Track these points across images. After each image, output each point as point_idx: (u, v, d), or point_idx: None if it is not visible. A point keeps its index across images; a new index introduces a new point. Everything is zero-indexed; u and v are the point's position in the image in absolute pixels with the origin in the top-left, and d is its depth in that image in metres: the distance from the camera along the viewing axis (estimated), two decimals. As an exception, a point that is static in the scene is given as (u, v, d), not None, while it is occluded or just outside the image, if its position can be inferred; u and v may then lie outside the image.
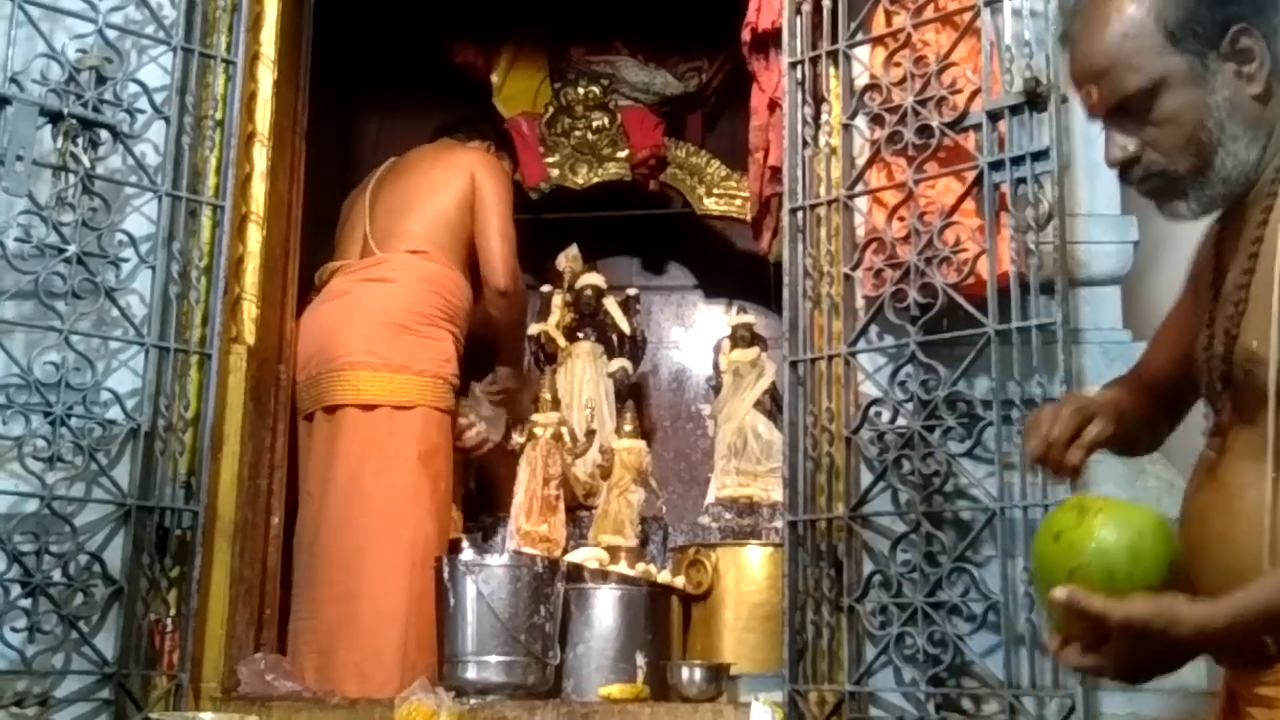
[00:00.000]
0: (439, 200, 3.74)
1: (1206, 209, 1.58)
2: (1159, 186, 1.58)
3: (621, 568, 3.58)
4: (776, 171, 3.08)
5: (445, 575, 3.11)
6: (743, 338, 4.26)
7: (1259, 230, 1.53)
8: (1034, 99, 2.56)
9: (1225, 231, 1.62)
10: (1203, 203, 1.57)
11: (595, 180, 4.69)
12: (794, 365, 2.80)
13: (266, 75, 3.14)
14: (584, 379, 4.41)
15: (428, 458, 3.47)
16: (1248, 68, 1.52)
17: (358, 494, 3.37)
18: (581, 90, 4.79)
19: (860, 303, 2.78)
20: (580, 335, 4.49)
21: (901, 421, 2.64)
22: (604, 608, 3.21)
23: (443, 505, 3.54)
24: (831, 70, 2.89)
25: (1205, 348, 1.62)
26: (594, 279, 4.55)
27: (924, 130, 2.68)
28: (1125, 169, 1.59)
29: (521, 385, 4.12)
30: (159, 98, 2.84)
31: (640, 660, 3.14)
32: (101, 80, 2.77)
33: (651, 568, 3.65)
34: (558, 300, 4.56)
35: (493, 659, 3.04)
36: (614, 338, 4.51)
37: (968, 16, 2.69)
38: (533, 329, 4.49)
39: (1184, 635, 1.36)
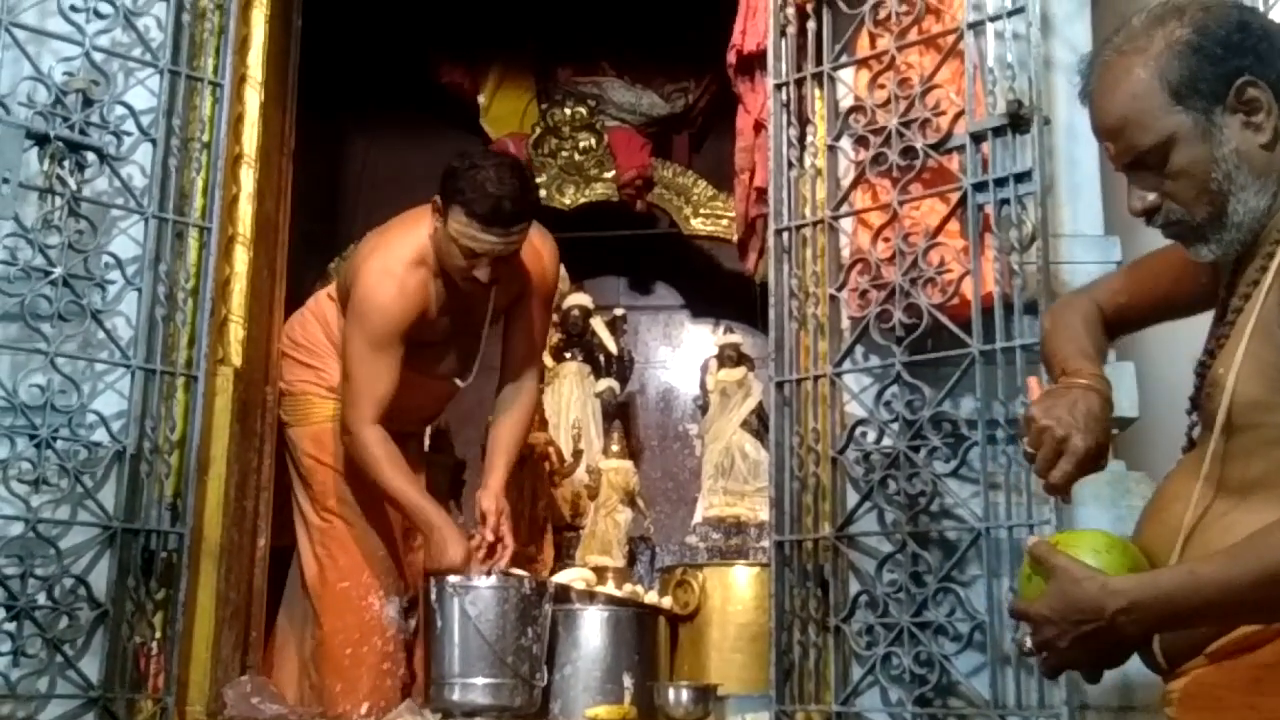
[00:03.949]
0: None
1: (1227, 250, 1.63)
2: (1181, 232, 1.65)
3: (609, 588, 3.58)
4: (762, 192, 3.10)
5: (432, 596, 3.11)
6: (730, 357, 4.27)
7: (1258, 274, 1.59)
8: (1017, 121, 2.58)
9: (1239, 264, 1.67)
10: (1223, 245, 1.62)
11: (582, 200, 4.71)
12: (780, 385, 2.81)
13: (253, 97, 3.14)
14: (571, 399, 4.42)
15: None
16: (1256, 118, 1.57)
17: None
18: (568, 111, 4.82)
19: (845, 323, 2.79)
20: (567, 355, 4.50)
21: (887, 442, 2.65)
22: (591, 629, 3.20)
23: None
24: (816, 92, 2.90)
25: (1197, 367, 1.69)
26: (581, 299, 4.56)
27: (908, 152, 2.69)
28: (1148, 216, 1.65)
29: (423, 525, 3.26)
30: (145, 120, 2.84)
31: (627, 681, 3.13)
32: (88, 103, 2.77)
33: (639, 588, 3.65)
34: (545, 320, 4.56)
35: (480, 680, 3.03)
36: (601, 358, 4.53)
37: (951, 39, 2.71)
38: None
39: (1088, 592, 1.51)
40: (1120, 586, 1.51)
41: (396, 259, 3.23)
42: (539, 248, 3.41)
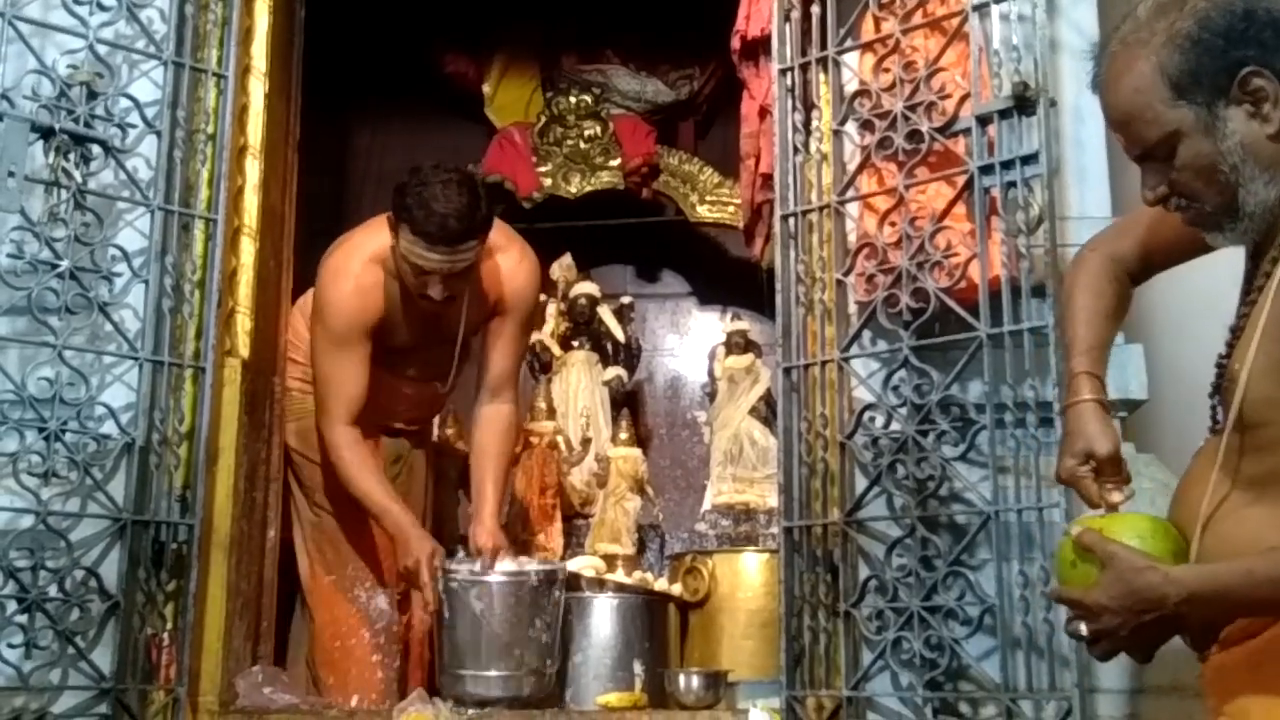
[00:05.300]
0: None
1: (1242, 238, 1.63)
2: (1196, 219, 1.65)
3: (619, 576, 3.59)
4: (768, 178, 3.09)
5: (442, 586, 3.11)
6: (737, 344, 4.27)
7: (1270, 265, 1.59)
8: (1023, 103, 2.57)
9: (1258, 249, 1.66)
10: (1237, 233, 1.62)
11: (588, 189, 4.71)
12: (787, 371, 2.80)
13: (258, 88, 3.14)
14: (579, 387, 4.42)
15: None
16: (1262, 108, 1.55)
17: None
18: (573, 99, 4.81)
19: (853, 308, 2.78)
20: (575, 344, 4.50)
21: (895, 426, 2.65)
22: (601, 616, 3.20)
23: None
24: (821, 77, 2.89)
25: (1218, 358, 1.70)
26: (588, 288, 4.56)
27: (914, 135, 2.68)
28: (1163, 204, 1.66)
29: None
30: (150, 112, 2.84)
31: (638, 668, 3.13)
32: (93, 95, 2.77)
33: (649, 576, 3.66)
34: (552, 309, 4.57)
35: (491, 670, 3.03)
36: (609, 346, 4.53)
37: (956, 21, 2.70)
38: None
39: (1150, 581, 1.54)
40: (1181, 577, 1.53)
41: (355, 257, 3.24)
42: (517, 266, 3.36)
